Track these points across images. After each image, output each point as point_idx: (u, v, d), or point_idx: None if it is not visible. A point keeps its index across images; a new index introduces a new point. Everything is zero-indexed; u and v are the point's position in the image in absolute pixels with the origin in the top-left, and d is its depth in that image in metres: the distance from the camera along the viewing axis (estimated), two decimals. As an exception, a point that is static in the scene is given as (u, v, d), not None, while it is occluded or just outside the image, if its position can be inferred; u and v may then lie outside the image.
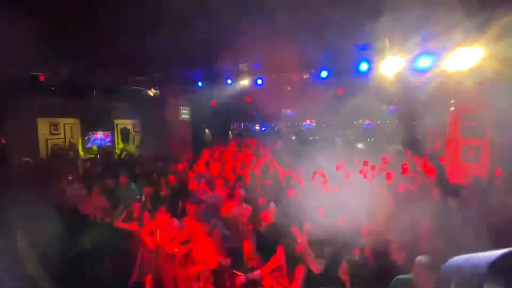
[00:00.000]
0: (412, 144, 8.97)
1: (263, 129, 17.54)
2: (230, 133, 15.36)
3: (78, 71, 7.80)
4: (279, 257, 3.00)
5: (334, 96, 9.20)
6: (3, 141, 8.74)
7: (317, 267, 2.80)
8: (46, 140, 10.17)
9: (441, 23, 4.64)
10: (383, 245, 3.09)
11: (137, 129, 13.09)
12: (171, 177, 6.04)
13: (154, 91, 10.00)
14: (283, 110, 15.94)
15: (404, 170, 6.51)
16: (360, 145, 13.25)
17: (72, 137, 10.92)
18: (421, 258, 2.18)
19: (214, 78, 8.71)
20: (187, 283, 3.52)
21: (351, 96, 9.00)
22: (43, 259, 3.63)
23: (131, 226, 4.42)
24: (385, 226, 3.47)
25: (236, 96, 9.86)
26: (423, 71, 5.76)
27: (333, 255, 2.97)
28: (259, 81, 8.11)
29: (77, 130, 11.19)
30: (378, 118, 14.91)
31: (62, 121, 10.64)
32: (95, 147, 10.98)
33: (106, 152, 10.98)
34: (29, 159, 8.03)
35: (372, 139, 14.26)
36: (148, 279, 3.81)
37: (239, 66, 7.82)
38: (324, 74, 7.14)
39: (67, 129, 10.83)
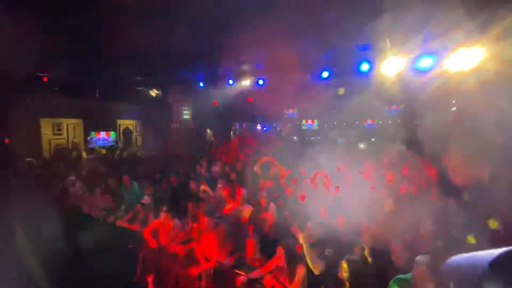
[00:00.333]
0: (414, 144, 8.94)
1: (265, 129, 17.53)
2: (231, 133, 15.38)
3: (81, 71, 7.85)
4: (280, 257, 3.02)
5: (336, 96, 9.21)
6: (7, 141, 8.82)
7: (318, 268, 2.81)
8: (49, 140, 10.25)
9: (442, 23, 4.64)
10: (383, 245, 3.10)
11: (139, 129, 13.16)
12: (173, 177, 6.09)
13: (157, 92, 10.05)
14: (284, 110, 15.94)
15: (406, 170, 6.49)
16: (361, 145, 13.22)
17: (75, 137, 11.00)
18: (420, 258, 2.19)
19: (215, 78, 8.75)
20: (189, 282, 3.55)
21: (352, 96, 9.00)
22: (46, 259, 3.67)
23: (134, 226, 4.46)
24: (386, 226, 3.48)
25: (238, 96, 9.89)
26: (425, 71, 5.76)
27: (334, 255, 2.99)
28: (261, 82, 8.13)
29: (80, 130, 11.27)
30: (379, 118, 14.86)
31: (65, 121, 10.72)
32: (103, 150, 11.01)
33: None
34: (32, 159, 8.09)
35: (374, 139, 14.21)
36: (151, 278, 3.84)
37: (240, 66, 7.85)
38: (325, 74, 7.15)
39: (70, 129, 10.91)
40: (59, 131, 10.55)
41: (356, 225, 3.38)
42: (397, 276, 2.44)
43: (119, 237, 4.36)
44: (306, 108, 14.71)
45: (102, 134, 12.10)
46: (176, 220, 4.13)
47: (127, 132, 12.93)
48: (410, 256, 2.47)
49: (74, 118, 10.92)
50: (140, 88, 9.72)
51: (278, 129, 16.93)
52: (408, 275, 2.27)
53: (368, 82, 7.30)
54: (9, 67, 6.30)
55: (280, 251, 3.02)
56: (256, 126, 17.59)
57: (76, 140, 10.97)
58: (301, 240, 2.90)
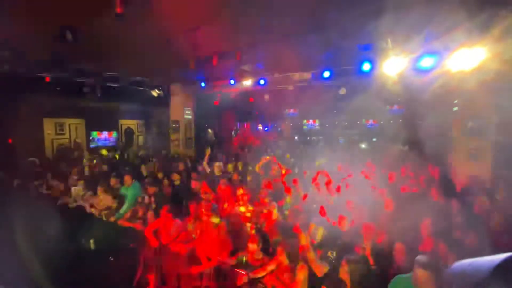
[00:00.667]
0: (416, 144, 8.92)
1: (266, 128, 17.54)
2: (233, 133, 15.40)
3: (83, 71, 7.87)
4: (281, 256, 3.02)
5: (337, 96, 9.19)
6: (10, 141, 8.88)
7: (321, 271, 2.77)
8: (52, 140, 10.31)
9: (444, 23, 4.62)
10: (383, 245, 3.11)
11: (141, 129, 13.20)
12: (174, 176, 6.10)
13: (158, 92, 10.08)
14: (285, 110, 15.95)
15: (407, 171, 6.49)
16: (363, 145, 13.21)
17: (77, 137, 11.06)
18: (421, 258, 2.19)
19: (217, 78, 8.76)
20: (190, 281, 3.57)
21: (354, 96, 8.99)
22: (47, 258, 3.69)
23: (135, 225, 4.48)
24: (387, 227, 3.48)
25: (239, 96, 9.89)
26: (426, 71, 5.74)
27: (336, 257, 2.99)
28: (262, 82, 8.14)
29: (82, 130, 11.33)
30: (381, 118, 14.83)
31: (67, 121, 10.78)
32: (104, 151, 11.03)
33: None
34: (35, 158, 8.14)
35: (375, 139, 14.19)
36: (152, 277, 3.86)
37: (241, 66, 7.85)
38: (326, 74, 7.14)
39: (72, 129, 10.97)
40: (62, 131, 10.62)
41: (357, 225, 3.38)
42: (398, 276, 2.45)
43: (121, 236, 4.37)
44: (307, 108, 14.71)
45: (104, 134, 12.16)
46: (177, 220, 4.14)
47: (128, 132, 12.98)
48: (411, 256, 2.47)
49: (77, 118, 10.99)
50: (141, 88, 9.76)
51: (279, 129, 16.95)
52: (409, 275, 2.27)
53: (370, 82, 7.28)
54: (12, 67, 6.35)
55: (281, 251, 3.02)
56: (257, 126, 17.60)
57: (78, 140, 11.03)
58: (303, 241, 2.86)
